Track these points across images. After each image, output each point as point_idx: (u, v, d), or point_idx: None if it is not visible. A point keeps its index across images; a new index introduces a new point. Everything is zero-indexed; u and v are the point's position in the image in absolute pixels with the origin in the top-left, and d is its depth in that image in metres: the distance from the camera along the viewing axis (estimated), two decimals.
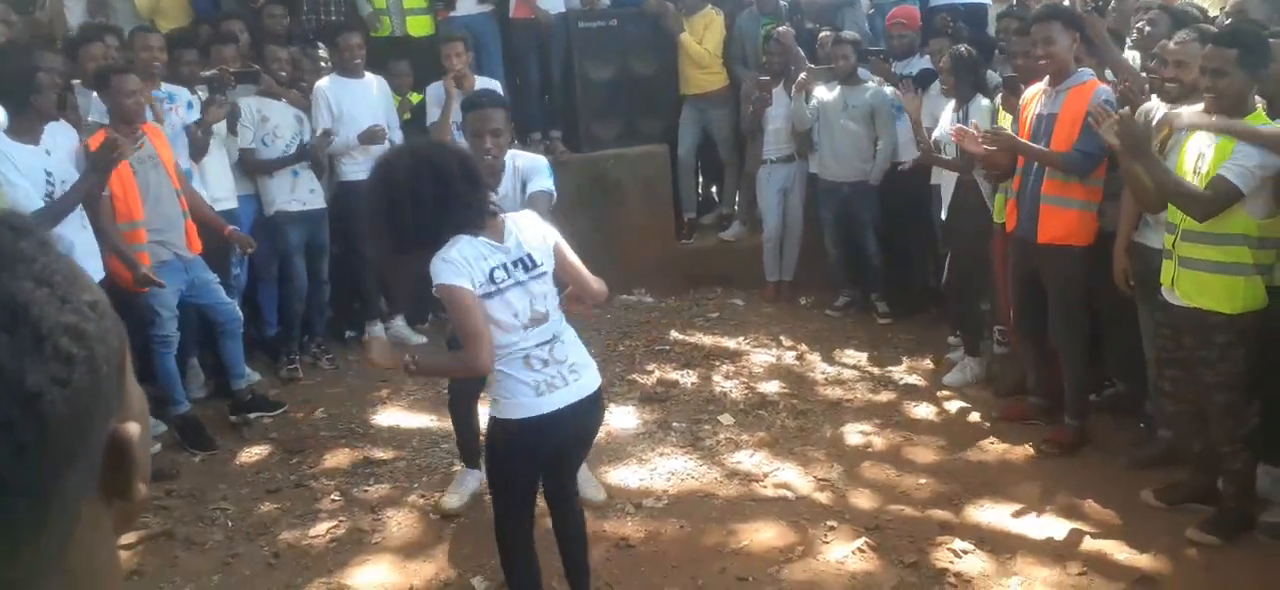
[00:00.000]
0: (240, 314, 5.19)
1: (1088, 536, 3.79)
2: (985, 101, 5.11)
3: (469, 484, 4.21)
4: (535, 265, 2.84)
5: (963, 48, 5.29)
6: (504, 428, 2.87)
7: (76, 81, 5.15)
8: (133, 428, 0.68)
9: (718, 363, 5.82)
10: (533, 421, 2.83)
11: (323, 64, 6.16)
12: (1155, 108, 4.00)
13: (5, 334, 0.59)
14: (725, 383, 5.52)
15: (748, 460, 4.56)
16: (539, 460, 2.99)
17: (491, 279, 2.74)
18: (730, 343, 6.18)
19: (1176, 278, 3.59)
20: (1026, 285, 4.55)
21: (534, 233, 2.90)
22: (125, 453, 0.67)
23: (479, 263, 2.73)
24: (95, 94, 4.86)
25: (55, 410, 0.60)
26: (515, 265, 2.80)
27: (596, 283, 3.02)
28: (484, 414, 5.10)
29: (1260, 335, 3.49)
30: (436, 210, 2.70)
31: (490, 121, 3.50)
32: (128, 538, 4.00)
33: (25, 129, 4.17)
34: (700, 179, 8.03)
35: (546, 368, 2.85)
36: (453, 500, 4.17)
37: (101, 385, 0.65)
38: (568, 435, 2.96)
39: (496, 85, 6.24)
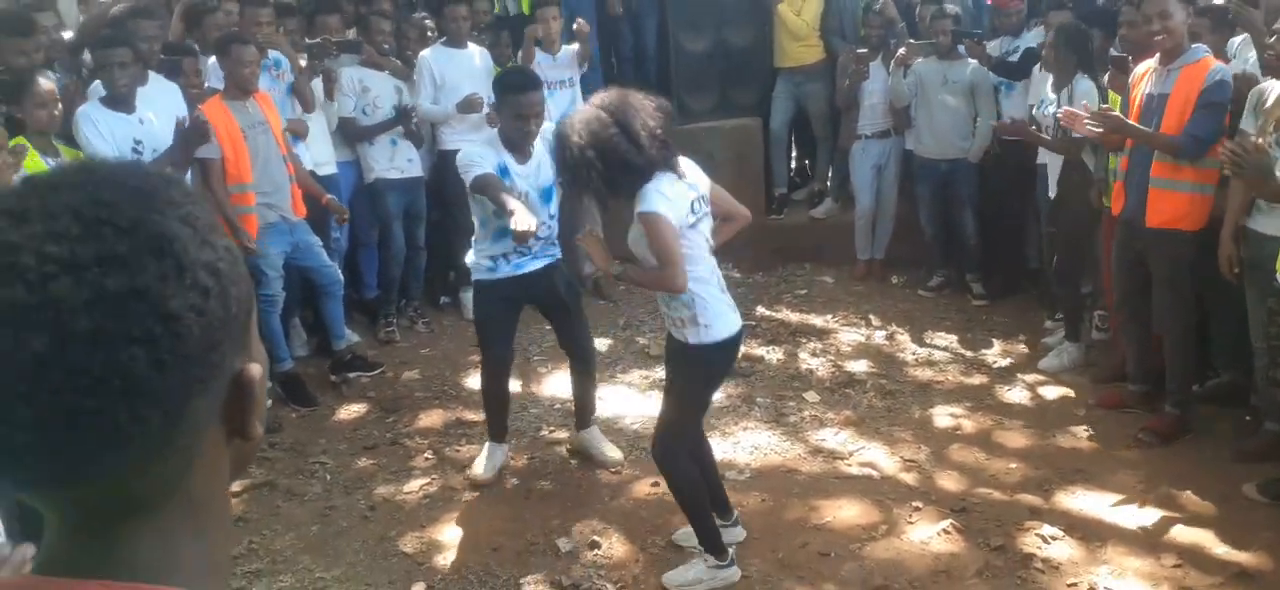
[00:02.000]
0: (341, 277, 5.37)
1: (1184, 528, 3.68)
2: (1088, 83, 4.92)
3: (498, 457, 4.30)
4: (707, 201, 3.26)
5: (1070, 23, 5.11)
6: (716, 348, 3.25)
7: (196, 45, 5.38)
8: (256, 369, 0.76)
9: (804, 340, 5.80)
10: (735, 337, 3.29)
11: (429, 34, 6.30)
12: (1270, 87, 3.83)
13: (155, 261, 0.68)
14: (811, 360, 5.50)
15: (832, 438, 4.55)
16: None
17: (692, 211, 3.15)
18: (818, 320, 6.14)
19: None
20: (1132, 268, 4.41)
21: (699, 174, 3.28)
22: (249, 390, 0.75)
23: (682, 199, 3.12)
24: (212, 59, 5.09)
25: (191, 333, 0.68)
26: (700, 201, 3.21)
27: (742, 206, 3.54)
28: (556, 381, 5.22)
29: None
30: (653, 149, 3.09)
31: (536, 105, 3.83)
32: (234, 486, 4.21)
33: (120, 97, 4.34)
34: (793, 153, 7.95)
35: (727, 291, 3.32)
36: (488, 471, 4.24)
37: (231, 322, 0.73)
38: None
39: (575, 47, 6.33)
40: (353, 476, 4.38)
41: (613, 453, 4.36)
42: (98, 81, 4.54)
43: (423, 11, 6.50)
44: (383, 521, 3.99)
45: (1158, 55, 4.20)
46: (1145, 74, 4.29)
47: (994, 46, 6.13)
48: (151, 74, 4.73)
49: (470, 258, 4.11)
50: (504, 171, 3.86)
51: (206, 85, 5.13)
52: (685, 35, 7.32)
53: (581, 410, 4.39)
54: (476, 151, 3.89)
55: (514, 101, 3.84)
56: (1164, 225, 4.18)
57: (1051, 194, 5.29)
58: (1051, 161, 5.26)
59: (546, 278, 4.09)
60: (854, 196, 6.90)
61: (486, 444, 4.34)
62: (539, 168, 3.97)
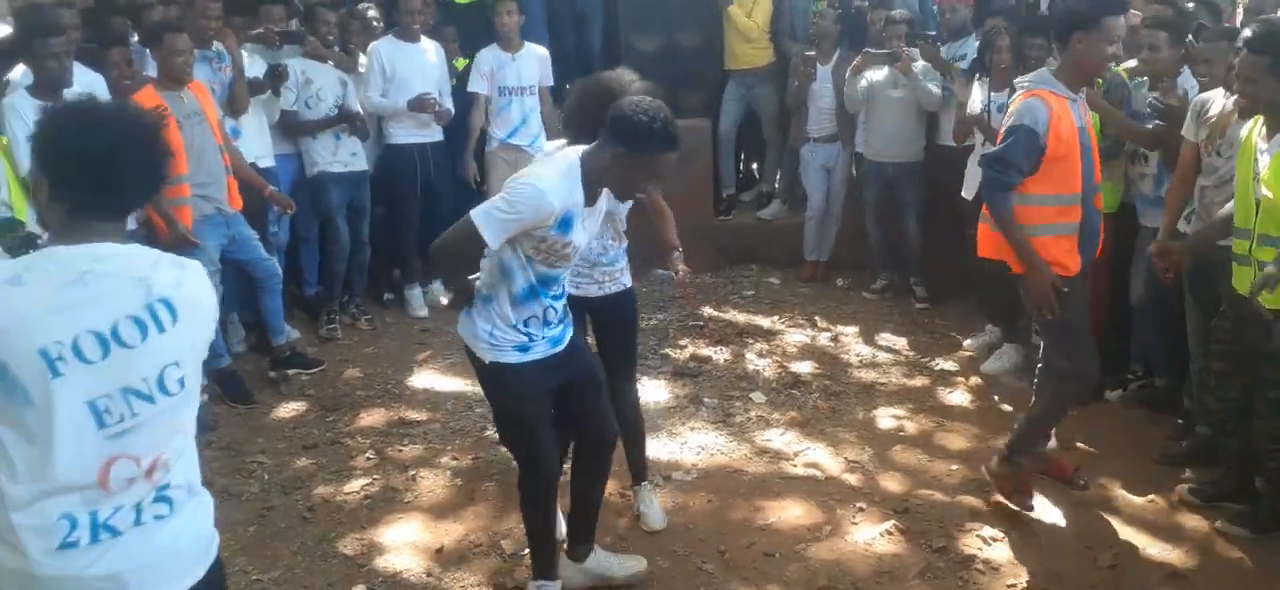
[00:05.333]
0: (279, 270, 5.26)
1: (1118, 530, 3.75)
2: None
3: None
4: None
5: (1006, 27, 5.26)
6: None
7: (135, 38, 5.23)
8: None
9: (751, 341, 5.82)
10: None
11: (375, 25, 6.20)
12: (1212, 97, 3.92)
13: None
14: (758, 361, 5.52)
15: (778, 438, 4.56)
16: None
17: None
18: (764, 321, 6.17)
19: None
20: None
21: None
22: None
23: None
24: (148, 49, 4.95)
25: None
26: None
27: None
28: None
29: None
30: None
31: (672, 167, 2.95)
32: None
33: (47, 88, 4.17)
34: (741, 155, 7.98)
35: None
36: None
37: None
38: None
39: (545, 51, 6.29)
40: (291, 476, 4.28)
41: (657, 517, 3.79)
42: (19, 71, 4.37)
43: (368, 3, 6.39)
44: (322, 522, 3.91)
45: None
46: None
47: (942, 51, 6.20)
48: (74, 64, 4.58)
49: (481, 331, 3.02)
50: (567, 224, 2.91)
51: (142, 75, 5.00)
52: (635, 36, 7.31)
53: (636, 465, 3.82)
54: (545, 189, 2.83)
55: (658, 161, 2.87)
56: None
57: (966, 194, 5.44)
58: (973, 165, 5.39)
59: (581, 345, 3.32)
60: (802, 198, 6.96)
61: (534, 586, 3.34)
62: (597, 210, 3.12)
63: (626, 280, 3.61)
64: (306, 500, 4.08)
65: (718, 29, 7.24)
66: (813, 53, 6.56)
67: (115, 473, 1.75)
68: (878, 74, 6.23)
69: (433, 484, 4.19)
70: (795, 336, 5.92)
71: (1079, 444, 4.42)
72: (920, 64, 6.12)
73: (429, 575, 3.54)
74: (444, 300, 6.31)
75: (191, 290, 1.86)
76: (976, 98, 5.38)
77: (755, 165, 8.06)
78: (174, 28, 4.78)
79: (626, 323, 3.68)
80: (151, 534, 1.80)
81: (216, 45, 5.32)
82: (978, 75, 5.50)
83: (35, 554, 1.71)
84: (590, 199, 2.97)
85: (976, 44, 5.97)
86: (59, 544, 1.72)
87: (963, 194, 5.51)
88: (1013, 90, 5.07)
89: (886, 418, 4.80)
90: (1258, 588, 3.40)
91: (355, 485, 4.19)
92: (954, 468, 4.28)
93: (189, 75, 4.79)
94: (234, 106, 5.25)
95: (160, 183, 1.86)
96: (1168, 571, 3.49)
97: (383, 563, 3.64)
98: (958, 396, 5.07)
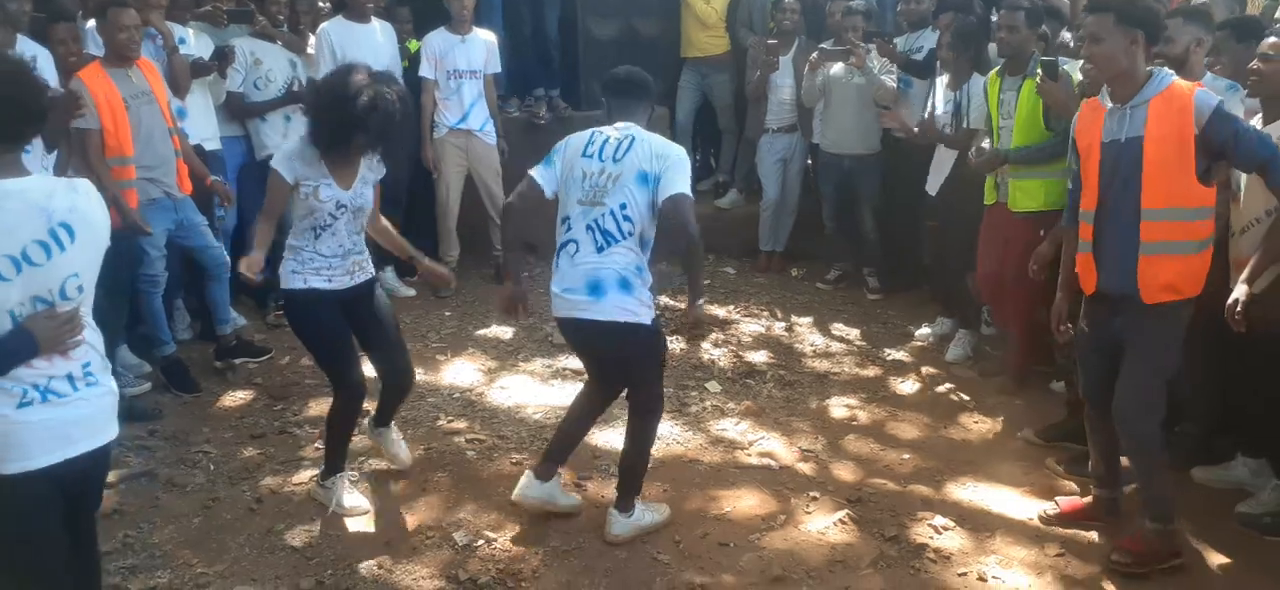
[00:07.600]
0: (227, 258, 5.15)
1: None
2: (981, 82, 5.07)
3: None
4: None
5: (964, 23, 5.26)
6: None
7: (73, 9, 5.08)
8: None
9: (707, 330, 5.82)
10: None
11: (321, 6, 6.08)
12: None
13: None
14: (713, 350, 5.52)
15: (733, 428, 4.57)
16: None
17: None
18: (720, 311, 6.18)
19: None
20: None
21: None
22: None
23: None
24: (91, 23, 4.80)
25: None
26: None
27: None
28: (454, 369, 5.08)
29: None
30: None
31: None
32: (108, 477, 3.99)
33: None
34: (697, 144, 7.98)
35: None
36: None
37: None
38: None
39: (493, 38, 6.23)
40: (238, 467, 4.20)
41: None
42: None
43: None
44: (270, 514, 3.83)
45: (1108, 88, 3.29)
46: (1093, 113, 3.34)
47: (901, 42, 6.24)
48: (19, 37, 4.43)
49: (645, 296, 3.63)
50: None
51: (86, 51, 4.85)
52: (593, 22, 7.28)
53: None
54: None
55: None
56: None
57: (930, 189, 5.48)
58: (938, 159, 5.42)
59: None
60: (759, 188, 6.97)
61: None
62: None
63: (371, 269, 3.84)
64: (254, 491, 4.00)
65: (676, 17, 7.24)
66: (775, 41, 6.56)
67: None
68: (834, 67, 6.25)
69: (382, 474, 4.13)
70: (750, 326, 5.93)
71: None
72: (876, 61, 6.14)
73: (380, 567, 3.49)
74: (406, 290, 6.23)
75: (84, 210, 2.29)
76: (944, 92, 5.39)
77: (712, 156, 8.05)
78: (120, 2, 4.63)
79: (384, 306, 3.93)
80: (86, 396, 2.36)
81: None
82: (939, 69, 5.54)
83: (5, 410, 2.24)
84: None
85: (934, 38, 6.02)
86: (17, 404, 2.24)
87: (927, 188, 5.53)
88: (962, 85, 5.18)
89: (840, 407, 4.83)
90: (1199, 569, 3.47)
91: (304, 476, 4.11)
92: (906, 457, 4.32)
93: (136, 52, 4.65)
94: (173, 87, 5.11)
95: (44, 113, 2.30)
96: (1113, 559, 3.54)
97: (331, 554, 3.57)
98: (909, 386, 5.11)
